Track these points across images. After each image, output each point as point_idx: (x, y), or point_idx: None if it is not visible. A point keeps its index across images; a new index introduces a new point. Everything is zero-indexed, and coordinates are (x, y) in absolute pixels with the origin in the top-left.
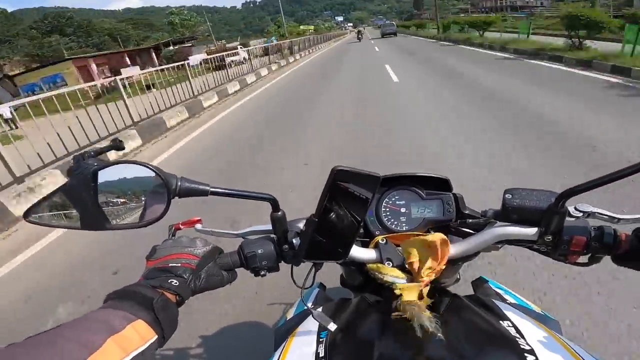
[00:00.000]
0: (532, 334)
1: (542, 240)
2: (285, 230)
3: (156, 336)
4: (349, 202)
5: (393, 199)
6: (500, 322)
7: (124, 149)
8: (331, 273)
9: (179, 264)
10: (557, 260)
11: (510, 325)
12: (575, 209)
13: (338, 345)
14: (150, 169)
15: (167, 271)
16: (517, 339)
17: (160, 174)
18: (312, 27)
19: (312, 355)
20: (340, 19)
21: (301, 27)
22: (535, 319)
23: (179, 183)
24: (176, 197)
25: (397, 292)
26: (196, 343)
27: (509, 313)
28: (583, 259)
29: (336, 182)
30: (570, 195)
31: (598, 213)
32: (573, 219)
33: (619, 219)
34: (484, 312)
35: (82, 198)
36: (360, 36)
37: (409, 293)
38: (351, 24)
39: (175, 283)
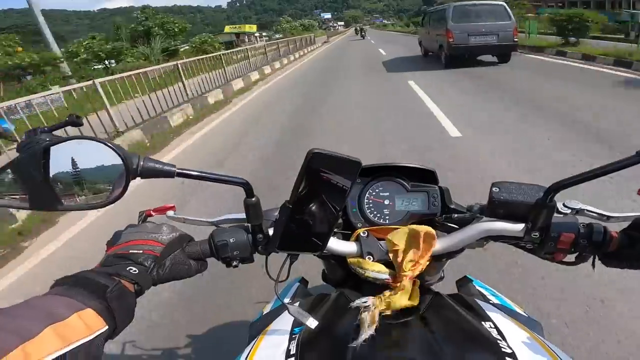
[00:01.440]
0: (513, 336)
1: (529, 236)
2: (259, 219)
3: (106, 327)
4: (327, 190)
5: (377, 190)
6: (482, 323)
7: (81, 124)
8: (314, 268)
9: (141, 251)
10: (544, 258)
11: (492, 326)
12: (564, 205)
13: (311, 342)
14: (108, 146)
15: (127, 258)
16: (499, 341)
17: (118, 152)
18: (254, 27)
19: (282, 353)
20: (326, 15)
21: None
22: (517, 320)
23: (141, 162)
24: (138, 178)
25: (385, 298)
26: (181, 340)
27: (492, 314)
28: (570, 257)
29: (312, 167)
30: (559, 189)
31: (587, 210)
32: (561, 215)
33: (609, 217)
34: (466, 312)
35: (32, 175)
36: (363, 33)
37: (400, 296)
38: (342, 23)
39: (135, 271)
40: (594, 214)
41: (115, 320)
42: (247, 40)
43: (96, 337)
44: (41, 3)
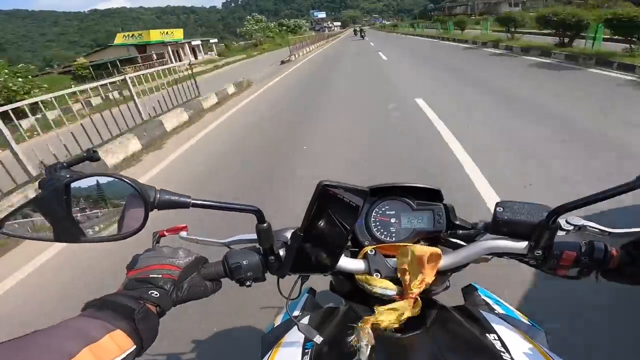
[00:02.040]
0: (517, 348)
1: (532, 254)
2: (271, 242)
3: (134, 346)
4: (339, 211)
5: (383, 209)
6: (487, 335)
7: (98, 159)
8: (323, 278)
9: (160, 275)
10: (546, 272)
11: (496, 338)
12: (567, 222)
13: (323, 357)
14: (125, 181)
15: (148, 282)
16: (502, 354)
17: (135, 187)
18: (178, 32)
19: None
20: (321, 15)
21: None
22: (521, 330)
23: (157, 195)
24: (155, 210)
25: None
26: (187, 346)
27: (496, 325)
28: (572, 271)
29: (324, 194)
30: (563, 212)
31: (589, 226)
32: (564, 232)
33: (610, 233)
34: (470, 325)
35: (55, 210)
36: (362, 34)
37: (402, 308)
38: (338, 24)
39: (156, 294)
40: (596, 230)
41: (142, 340)
42: (174, 54)
43: (126, 356)
44: (32, 4)
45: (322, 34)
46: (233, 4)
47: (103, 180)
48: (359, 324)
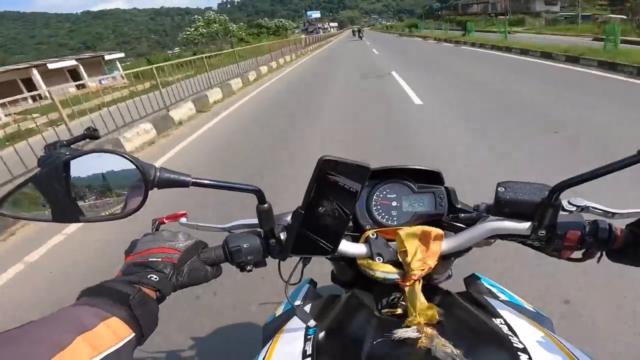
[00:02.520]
0: (525, 332)
1: (536, 235)
2: (271, 224)
3: (133, 334)
4: (338, 194)
5: (384, 193)
6: (493, 319)
7: (99, 137)
8: (322, 269)
9: (160, 259)
10: (551, 255)
11: (503, 323)
12: (569, 202)
13: (326, 343)
14: (126, 158)
15: (147, 266)
16: (510, 337)
17: (137, 164)
18: None
19: (299, 353)
20: (314, 14)
21: None
22: (527, 316)
23: (157, 173)
24: (155, 189)
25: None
26: (187, 340)
27: (502, 311)
28: (577, 254)
29: (324, 173)
30: (564, 188)
31: (592, 207)
32: (567, 213)
33: (614, 214)
34: (476, 310)
35: (53, 189)
36: (360, 34)
37: (410, 295)
38: (335, 24)
39: (155, 278)
40: (599, 211)
41: (140, 327)
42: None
43: (124, 344)
44: (27, 5)
45: (315, 36)
46: (229, 5)
47: (104, 157)
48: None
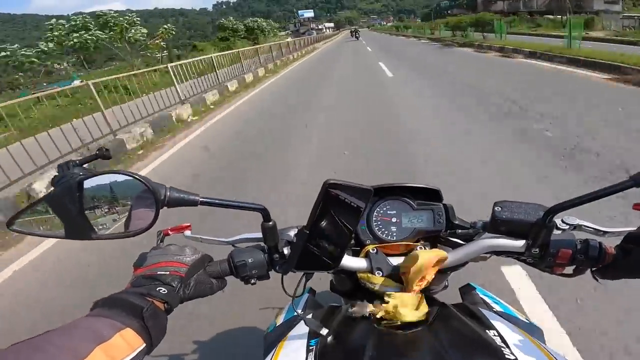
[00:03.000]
0: (516, 344)
1: (530, 252)
2: (276, 240)
3: (144, 344)
4: (342, 212)
5: (384, 209)
6: (487, 331)
7: (110, 157)
8: (321, 277)
9: (168, 272)
10: (543, 270)
11: (496, 334)
12: (563, 221)
13: (328, 353)
14: (137, 179)
15: (155, 279)
16: (502, 349)
17: (147, 184)
18: None
19: None
20: (307, 14)
21: None
22: (520, 327)
23: (168, 193)
24: (165, 207)
25: (391, 303)
26: (189, 346)
27: (495, 322)
28: (568, 269)
29: (329, 195)
30: (558, 211)
31: (584, 226)
32: (560, 231)
33: (605, 232)
34: (470, 321)
35: (67, 208)
36: (357, 35)
37: (404, 305)
38: (331, 25)
39: (164, 291)
40: (591, 230)
41: (151, 337)
42: None
43: (137, 354)
44: (17, 7)
45: (307, 38)
46: (224, 6)
47: (115, 177)
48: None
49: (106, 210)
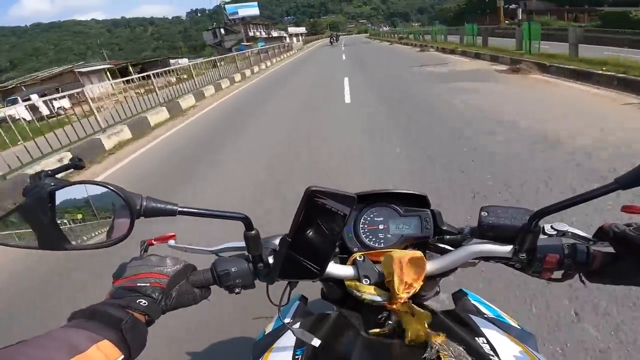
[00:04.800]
0: (506, 351)
1: (517, 257)
2: (259, 249)
3: (122, 356)
4: (326, 218)
5: (371, 216)
6: (476, 338)
7: (83, 167)
8: (314, 285)
9: (148, 284)
10: (532, 276)
11: (485, 342)
12: (552, 227)
13: None
14: (110, 189)
15: (136, 291)
16: (491, 357)
17: (121, 195)
18: None
19: None
20: (244, 11)
21: None
22: (511, 334)
23: (144, 203)
24: (142, 217)
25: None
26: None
27: (485, 329)
28: (557, 274)
29: (311, 202)
30: (543, 215)
31: (572, 232)
32: (547, 237)
33: (593, 241)
34: (460, 329)
35: (39, 218)
36: (333, 39)
37: (404, 316)
38: (302, 30)
39: (144, 303)
40: (578, 236)
41: (130, 349)
42: None
43: None
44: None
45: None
46: (199, 14)
47: (88, 188)
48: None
49: (80, 220)
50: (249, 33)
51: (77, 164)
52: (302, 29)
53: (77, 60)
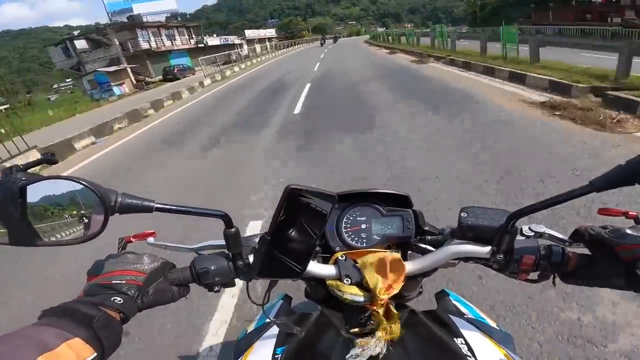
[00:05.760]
0: (483, 352)
1: (495, 258)
2: (239, 247)
3: (95, 354)
4: (307, 216)
5: (354, 215)
6: (454, 339)
7: (56, 162)
8: (299, 284)
9: (124, 281)
10: (509, 276)
11: (464, 342)
12: (530, 228)
13: None
14: (82, 184)
15: (110, 288)
16: (469, 358)
17: (95, 190)
18: None
19: None
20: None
21: None
22: (489, 334)
23: (119, 199)
24: (116, 214)
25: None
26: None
27: (464, 330)
28: (533, 275)
29: (290, 201)
30: (520, 216)
31: (549, 234)
32: (524, 238)
33: (568, 243)
34: (439, 329)
35: (9, 213)
36: (323, 42)
37: (377, 315)
38: (271, 33)
39: (119, 301)
40: (555, 238)
41: (103, 347)
42: None
43: None
44: None
45: None
46: (179, 18)
47: (61, 183)
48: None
49: (53, 216)
50: (158, 41)
51: (49, 159)
52: (270, 32)
53: (40, 71)
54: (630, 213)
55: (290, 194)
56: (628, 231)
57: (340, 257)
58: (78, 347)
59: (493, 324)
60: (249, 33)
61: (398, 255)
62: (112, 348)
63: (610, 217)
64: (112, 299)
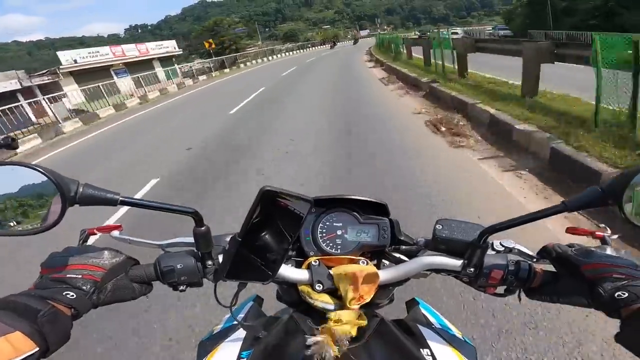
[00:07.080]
0: None
1: (465, 271)
2: (209, 247)
3: (37, 348)
4: (283, 218)
5: (330, 221)
6: (421, 350)
7: (17, 147)
8: (272, 285)
9: (80, 276)
10: (478, 289)
11: (429, 354)
12: (500, 244)
13: None
14: (40, 172)
15: (64, 282)
16: None
17: (53, 179)
18: None
19: None
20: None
21: None
22: (454, 345)
23: (80, 189)
24: (76, 205)
25: (332, 320)
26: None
27: (431, 341)
28: (500, 289)
29: (264, 203)
30: (492, 232)
31: (518, 250)
32: (494, 253)
33: (535, 259)
34: (406, 339)
35: None
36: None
37: (342, 322)
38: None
39: (72, 296)
40: (523, 254)
41: (47, 342)
42: None
43: (24, 358)
44: None
45: None
46: (139, 30)
47: (17, 170)
48: (319, 334)
49: (5, 205)
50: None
51: (9, 144)
52: (171, 45)
53: None
54: (597, 233)
55: (265, 196)
56: (594, 250)
57: (313, 262)
58: (17, 341)
59: (458, 335)
60: (74, 55)
61: (374, 269)
62: (57, 344)
63: (577, 236)
64: (63, 294)
